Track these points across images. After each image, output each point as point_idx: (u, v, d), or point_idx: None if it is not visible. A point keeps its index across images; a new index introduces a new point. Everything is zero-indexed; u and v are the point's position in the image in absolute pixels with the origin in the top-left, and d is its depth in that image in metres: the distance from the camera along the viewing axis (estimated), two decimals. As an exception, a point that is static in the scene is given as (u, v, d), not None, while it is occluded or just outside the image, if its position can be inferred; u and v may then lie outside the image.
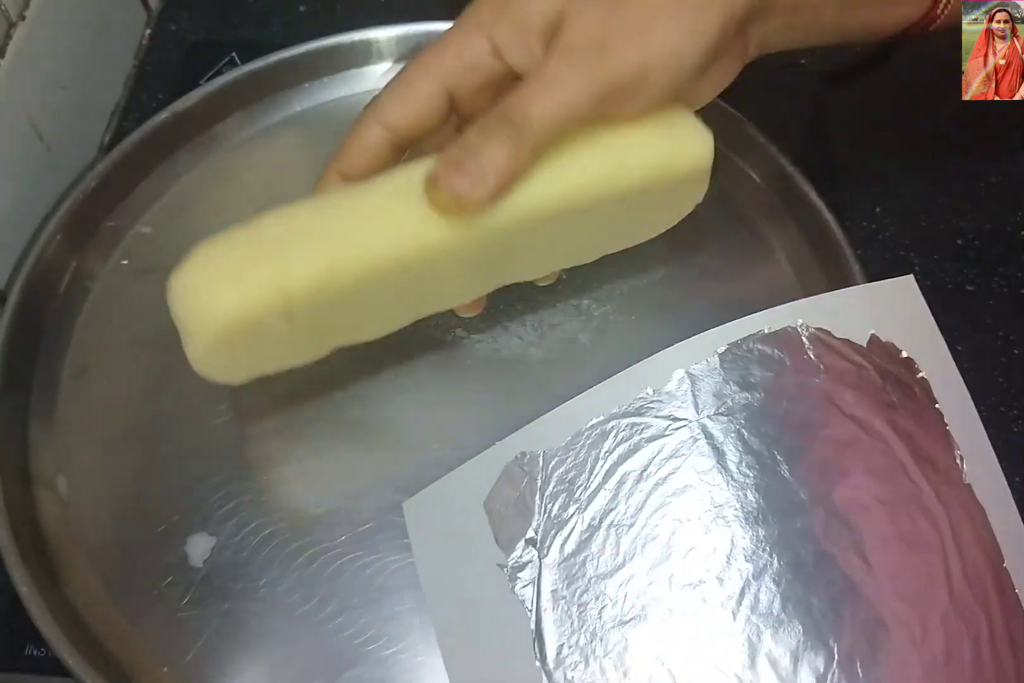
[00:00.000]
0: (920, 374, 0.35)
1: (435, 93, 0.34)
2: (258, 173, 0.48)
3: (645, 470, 0.34)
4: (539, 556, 0.34)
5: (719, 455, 0.34)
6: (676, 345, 0.36)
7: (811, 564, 0.33)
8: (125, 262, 0.45)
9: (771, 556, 0.33)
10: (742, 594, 0.33)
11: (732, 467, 0.34)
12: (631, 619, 0.33)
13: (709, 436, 0.35)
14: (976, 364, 0.39)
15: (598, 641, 0.33)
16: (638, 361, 0.36)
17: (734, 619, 0.32)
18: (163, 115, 0.47)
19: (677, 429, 0.35)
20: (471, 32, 0.33)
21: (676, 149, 0.34)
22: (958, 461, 0.34)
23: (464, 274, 0.36)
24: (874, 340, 0.35)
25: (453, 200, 0.31)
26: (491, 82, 0.34)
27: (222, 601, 0.38)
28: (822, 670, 0.32)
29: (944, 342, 0.36)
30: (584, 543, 0.34)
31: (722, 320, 0.37)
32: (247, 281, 0.31)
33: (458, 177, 0.31)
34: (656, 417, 0.35)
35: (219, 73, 0.54)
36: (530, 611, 0.34)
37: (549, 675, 0.32)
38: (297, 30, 0.56)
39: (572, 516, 0.34)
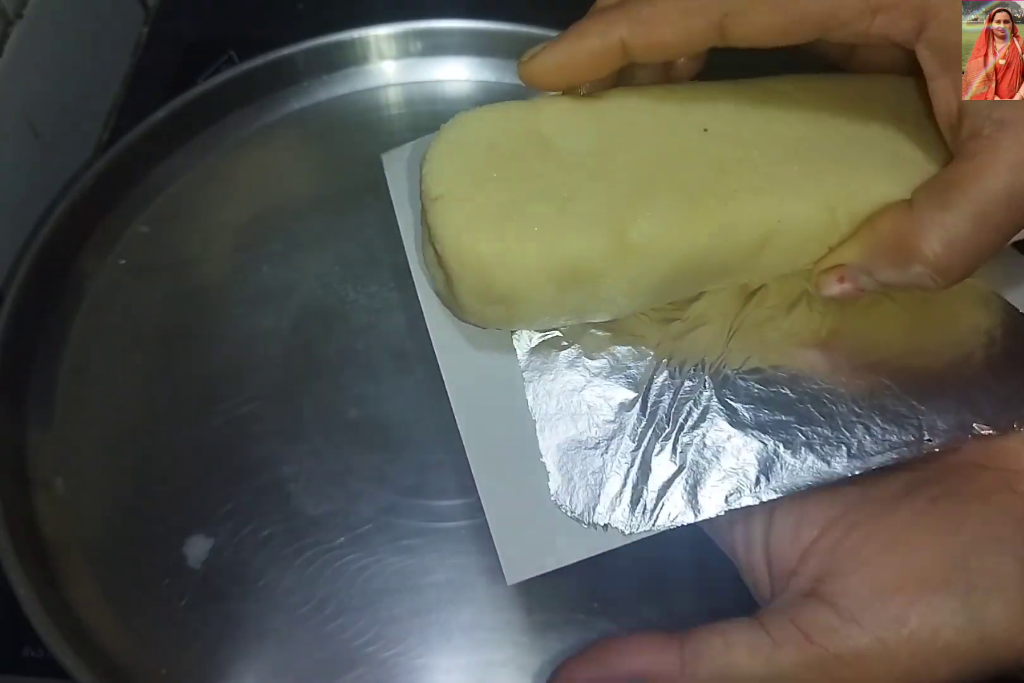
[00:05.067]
0: None
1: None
2: (257, 172, 0.48)
3: None
4: None
5: None
6: None
7: None
8: (123, 261, 0.45)
9: None
10: None
11: None
12: None
13: None
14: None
15: None
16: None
17: None
18: (161, 114, 0.47)
19: None
20: None
21: None
22: None
23: None
24: None
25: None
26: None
27: (220, 603, 0.37)
28: None
29: None
30: None
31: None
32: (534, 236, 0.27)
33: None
34: None
35: (217, 71, 0.53)
36: None
37: None
38: (296, 28, 0.55)
39: None
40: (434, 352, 0.33)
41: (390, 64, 0.50)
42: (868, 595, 0.26)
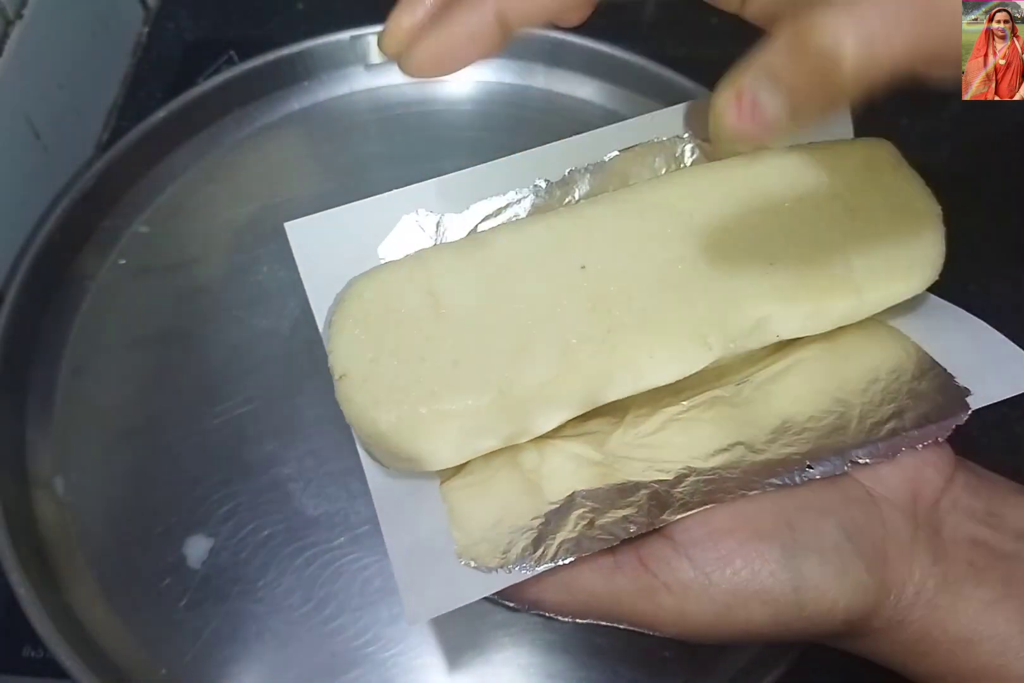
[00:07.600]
0: None
1: None
2: (256, 172, 0.48)
3: None
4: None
5: None
6: None
7: None
8: (123, 262, 0.45)
9: None
10: None
11: None
12: None
13: None
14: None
15: None
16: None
17: None
18: (161, 114, 0.47)
19: None
20: None
21: None
22: None
23: None
24: None
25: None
26: None
27: (220, 603, 0.37)
28: None
29: None
30: None
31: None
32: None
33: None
34: None
35: (217, 71, 0.53)
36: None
37: None
38: (295, 28, 0.55)
39: None
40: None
41: (390, 64, 0.50)
42: (702, 535, 0.28)
